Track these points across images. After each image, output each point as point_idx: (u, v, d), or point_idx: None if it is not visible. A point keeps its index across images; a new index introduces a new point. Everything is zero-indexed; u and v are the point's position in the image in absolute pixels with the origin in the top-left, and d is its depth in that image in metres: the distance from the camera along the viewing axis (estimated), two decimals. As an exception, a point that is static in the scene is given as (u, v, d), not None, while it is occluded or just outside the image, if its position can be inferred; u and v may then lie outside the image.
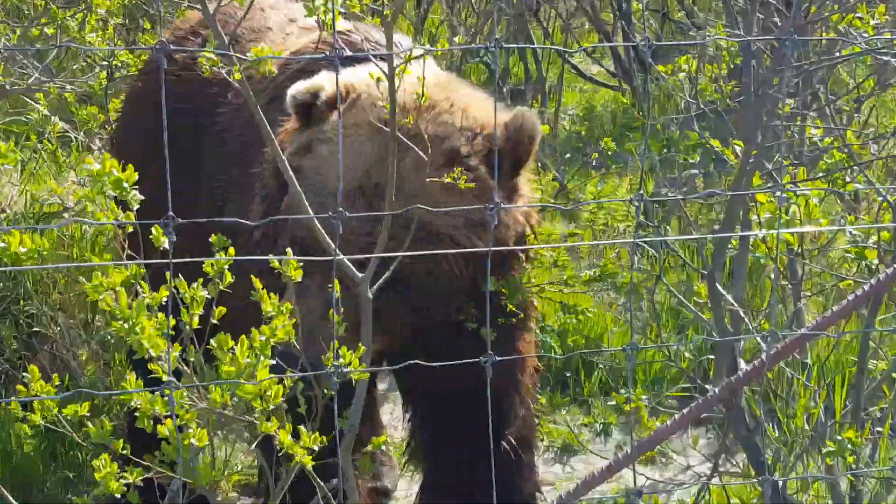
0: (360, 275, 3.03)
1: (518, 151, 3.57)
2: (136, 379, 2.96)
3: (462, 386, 3.78)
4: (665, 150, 6.08)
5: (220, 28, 2.85)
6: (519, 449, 4.02)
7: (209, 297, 2.90)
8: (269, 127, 2.97)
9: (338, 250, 2.86)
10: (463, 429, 3.96)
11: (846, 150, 4.46)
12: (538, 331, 6.29)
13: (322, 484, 3.15)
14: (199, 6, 2.80)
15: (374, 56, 3.11)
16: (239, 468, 5.08)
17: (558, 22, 10.73)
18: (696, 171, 6.44)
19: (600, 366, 6.09)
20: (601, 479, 3.04)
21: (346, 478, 3.15)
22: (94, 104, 5.57)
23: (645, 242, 3.85)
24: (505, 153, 3.48)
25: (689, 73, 4.34)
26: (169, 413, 2.78)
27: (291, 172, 3.01)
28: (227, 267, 2.93)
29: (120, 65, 5.37)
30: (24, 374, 4.91)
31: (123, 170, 2.77)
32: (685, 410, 3.12)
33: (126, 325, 2.69)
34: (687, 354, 5.80)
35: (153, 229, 2.62)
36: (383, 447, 3.36)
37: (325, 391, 3.07)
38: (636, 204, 2.81)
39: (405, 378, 4.23)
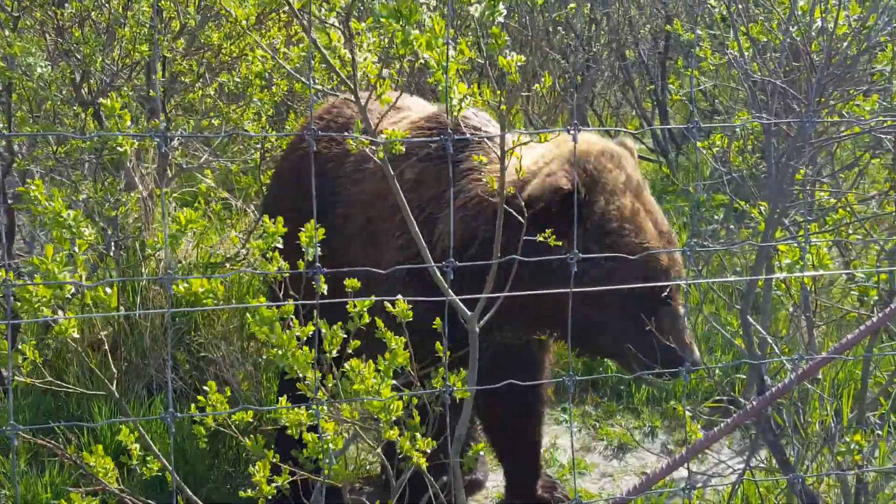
0: (469, 312, 2.95)
1: None
2: (285, 397, 2.94)
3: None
4: (696, 209, 5.98)
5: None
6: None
7: (345, 335, 2.85)
8: (402, 194, 2.88)
9: (449, 291, 2.80)
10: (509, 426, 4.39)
11: (848, 209, 4.33)
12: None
13: (433, 480, 3.07)
14: (352, 99, 2.76)
15: (488, 139, 3.05)
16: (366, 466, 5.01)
17: (608, 110, 10.70)
18: (719, 226, 6.34)
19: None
20: (662, 475, 2.91)
21: (454, 475, 3.06)
22: (250, 177, 5.61)
23: (689, 283, 3.74)
24: None
25: (721, 148, 4.24)
26: (315, 423, 2.74)
27: (417, 228, 2.92)
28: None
29: (270, 147, 5.40)
30: (194, 391, 4.95)
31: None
32: (729, 420, 2.99)
33: (281, 352, 2.65)
34: (718, 372, 5.65)
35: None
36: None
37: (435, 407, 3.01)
38: (689, 253, 2.72)
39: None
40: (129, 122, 2.67)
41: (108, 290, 2.86)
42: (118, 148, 2.98)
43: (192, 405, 2.99)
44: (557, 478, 5.00)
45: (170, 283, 2.19)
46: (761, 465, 4.74)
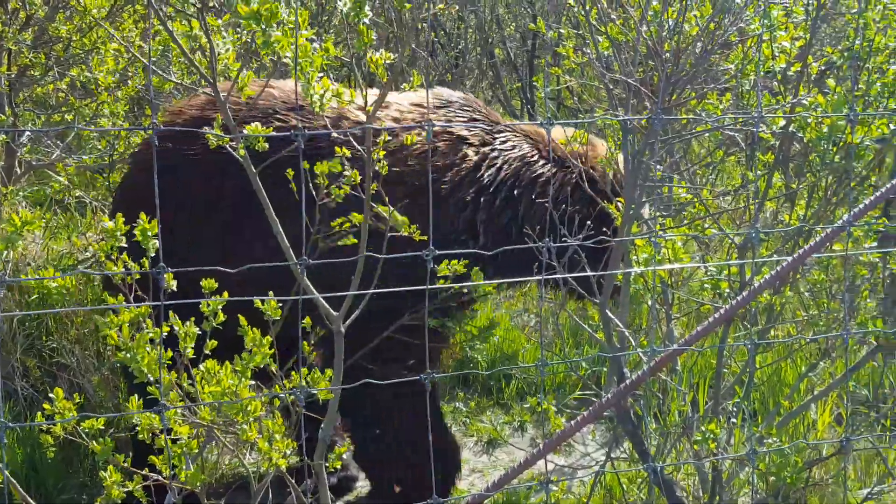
0: (334, 312, 2.91)
1: None
2: (138, 399, 2.83)
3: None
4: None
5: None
6: None
7: (200, 332, 2.78)
8: (264, 192, 2.80)
9: (312, 290, 2.76)
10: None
11: (702, 204, 4.49)
12: (468, 348, 6.27)
13: (294, 482, 3.03)
14: (211, 93, 2.67)
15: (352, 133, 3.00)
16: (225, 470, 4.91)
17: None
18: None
19: (517, 376, 6.07)
20: (520, 470, 2.94)
21: (320, 478, 3.02)
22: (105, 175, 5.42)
23: (551, 277, 3.82)
24: None
25: (583, 145, 4.33)
26: (165, 428, 2.66)
27: (280, 227, 2.84)
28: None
29: (127, 144, 5.22)
30: (45, 398, 4.75)
31: (149, 221, 2.58)
32: (586, 413, 3.04)
33: (129, 355, 2.56)
34: (584, 365, 5.78)
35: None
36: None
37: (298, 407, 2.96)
38: (550, 248, 2.76)
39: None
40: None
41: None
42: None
43: (39, 413, 2.86)
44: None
45: (1, 285, 2.09)
46: (624, 455, 4.88)
